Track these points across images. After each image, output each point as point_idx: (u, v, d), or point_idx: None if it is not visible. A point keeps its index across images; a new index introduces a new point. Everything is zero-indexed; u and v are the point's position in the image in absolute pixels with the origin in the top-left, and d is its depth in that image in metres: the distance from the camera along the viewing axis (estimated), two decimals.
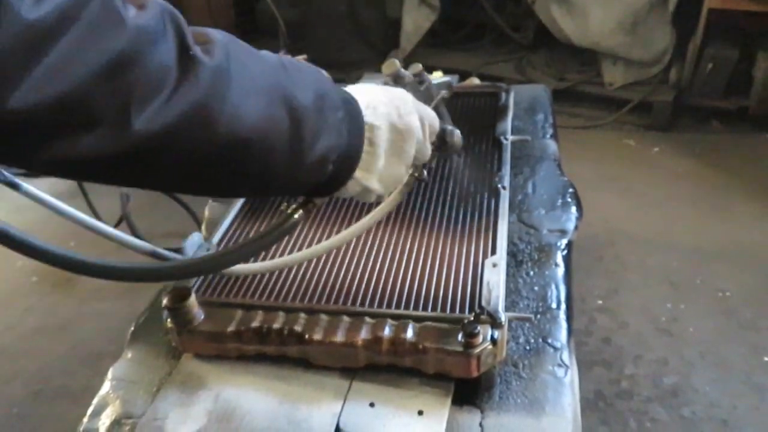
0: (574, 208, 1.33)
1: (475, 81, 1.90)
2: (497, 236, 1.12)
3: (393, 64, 1.02)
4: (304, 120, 0.68)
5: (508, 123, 1.52)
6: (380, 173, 0.81)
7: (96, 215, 1.72)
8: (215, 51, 0.61)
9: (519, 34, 4.10)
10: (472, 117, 1.60)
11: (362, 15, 4.21)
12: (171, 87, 0.56)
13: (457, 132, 0.95)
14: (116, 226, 1.66)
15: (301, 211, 0.81)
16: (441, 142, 0.93)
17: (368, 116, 0.78)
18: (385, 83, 0.95)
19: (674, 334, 2.21)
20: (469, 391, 0.95)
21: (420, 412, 0.90)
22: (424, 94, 0.98)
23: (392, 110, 0.81)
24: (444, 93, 1.07)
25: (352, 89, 0.81)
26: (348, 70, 4.01)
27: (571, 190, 1.39)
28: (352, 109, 0.77)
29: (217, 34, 0.64)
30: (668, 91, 3.52)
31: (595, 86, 3.71)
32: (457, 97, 1.71)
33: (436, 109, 0.97)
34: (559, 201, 1.35)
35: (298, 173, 0.72)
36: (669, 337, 2.19)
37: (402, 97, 0.85)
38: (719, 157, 3.24)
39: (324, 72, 0.81)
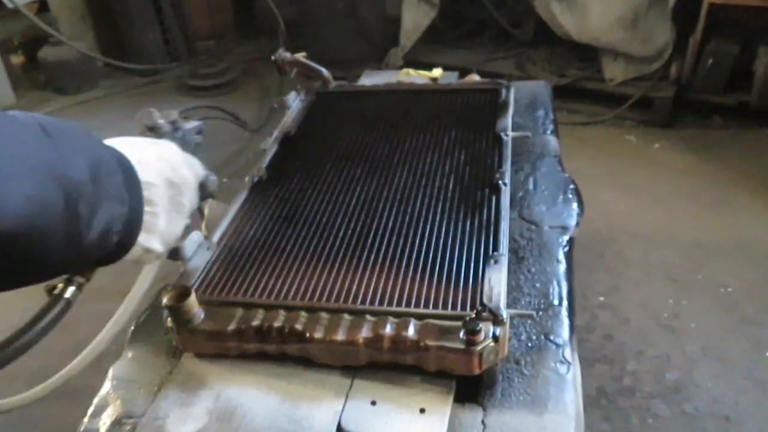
0: (575, 205, 1.33)
1: (475, 78, 1.90)
2: (498, 233, 1.11)
3: (148, 114, 0.96)
4: (81, 196, 0.61)
5: (508, 119, 1.51)
6: (161, 232, 0.78)
7: None
8: None
9: (519, 30, 4.09)
10: (473, 114, 1.59)
11: (362, 13, 4.20)
12: None
13: (213, 178, 0.96)
14: None
15: (72, 288, 0.76)
16: (200, 189, 0.92)
17: (142, 174, 0.74)
18: (141, 134, 0.92)
19: (676, 330, 2.20)
20: (471, 389, 0.94)
21: (422, 410, 0.90)
22: (181, 141, 0.95)
23: (164, 165, 0.78)
24: (198, 138, 1.04)
25: (117, 144, 0.76)
26: (348, 68, 4.00)
27: (572, 186, 1.39)
28: (127, 169, 0.72)
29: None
30: (669, 86, 3.51)
31: (596, 82, 3.70)
32: (457, 94, 1.70)
33: (194, 154, 0.95)
34: (560, 197, 1.35)
35: (80, 253, 0.65)
36: (671, 333, 2.19)
37: (169, 149, 0.83)
38: (720, 152, 3.24)
39: (90, 134, 0.74)
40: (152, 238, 0.76)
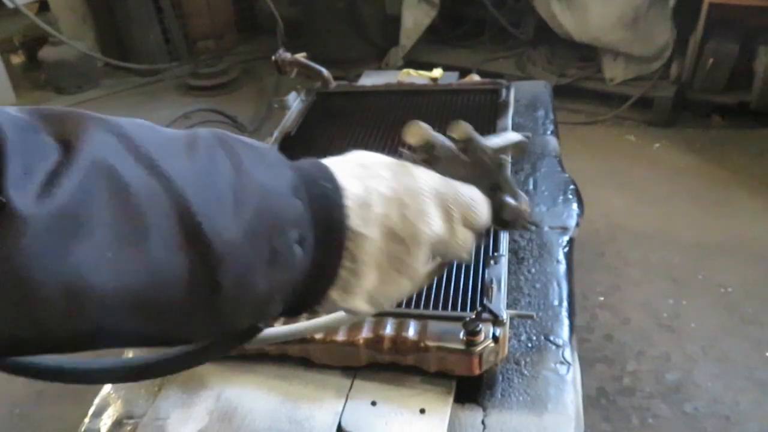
0: (575, 205, 1.33)
1: (476, 78, 1.90)
2: (498, 233, 1.12)
3: (419, 130, 0.64)
4: (224, 261, 0.45)
5: (508, 119, 1.51)
6: (368, 292, 0.57)
7: None
8: (65, 181, 0.38)
9: (519, 30, 4.09)
10: (473, 114, 1.59)
11: (361, 12, 4.20)
12: None
13: (516, 204, 0.67)
14: None
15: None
16: (498, 221, 0.66)
17: (354, 220, 0.53)
18: (412, 161, 0.62)
19: (676, 329, 2.20)
20: (471, 389, 0.94)
21: (422, 411, 0.90)
22: (474, 165, 0.65)
23: (393, 210, 0.55)
24: (505, 159, 0.69)
25: (343, 166, 0.56)
26: (348, 68, 4.00)
27: (572, 186, 1.39)
28: (324, 215, 0.52)
29: (91, 127, 0.42)
30: (669, 86, 3.51)
31: (596, 82, 3.70)
32: (457, 94, 1.70)
33: (494, 180, 0.66)
34: (560, 197, 1.35)
35: (222, 322, 0.49)
36: (671, 333, 2.19)
37: (415, 188, 0.57)
38: (720, 152, 3.24)
39: (274, 153, 0.54)
40: (351, 298, 0.56)
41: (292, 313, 0.56)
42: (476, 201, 0.61)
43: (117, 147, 0.42)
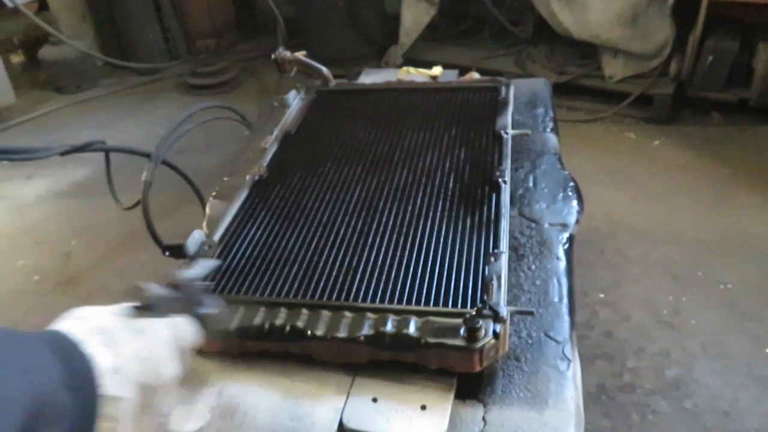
0: (575, 202, 1.33)
1: (475, 75, 1.90)
2: (498, 230, 1.12)
3: (140, 291, 0.77)
4: None
5: (508, 117, 1.51)
6: None
7: (117, 201, 1.74)
8: None
9: (518, 27, 4.09)
10: (473, 112, 1.59)
11: (361, 10, 4.20)
12: None
13: (211, 311, 0.82)
14: (131, 208, 1.69)
15: None
16: (208, 330, 0.81)
17: (111, 386, 0.61)
18: (139, 314, 0.74)
19: (676, 326, 2.21)
20: (472, 386, 0.95)
21: (423, 407, 0.90)
22: (185, 297, 0.80)
23: (145, 367, 0.66)
24: (202, 285, 0.86)
25: (87, 336, 0.63)
26: (347, 66, 4.00)
27: (571, 183, 1.39)
28: (87, 402, 0.59)
29: None
30: (668, 83, 3.52)
31: (595, 79, 3.70)
32: (457, 92, 1.71)
33: (198, 300, 0.81)
34: (560, 194, 1.35)
35: None
36: (671, 330, 2.19)
37: (149, 343, 0.69)
38: (720, 149, 3.24)
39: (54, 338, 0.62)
40: None
41: None
42: (186, 329, 0.76)
43: None
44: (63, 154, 1.34)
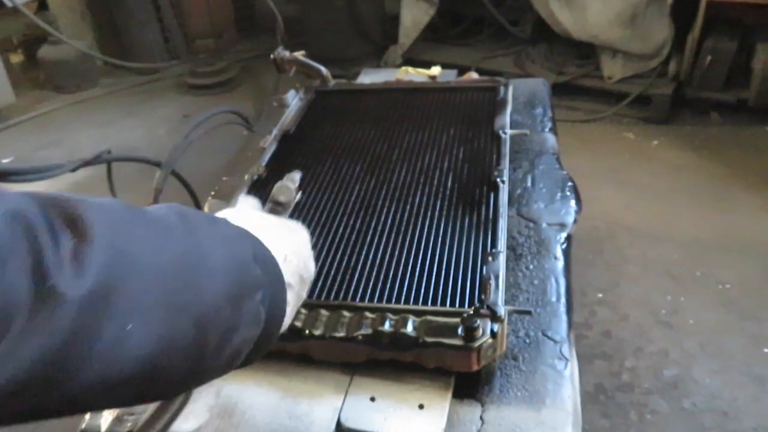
0: (573, 202, 1.33)
1: (474, 75, 1.90)
2: (497, 230, 1.12)
3: (287, 191, 0.89)
4: (213, 326, 0.53)
5: (506, 117, 1.52)
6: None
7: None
8: (90, 264, 0.44)
9: (517, 28, 4.10)
10: (471, 111, 1.60)
11: (360, 10, 4.20)
12: (18, 329, 0.40)
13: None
14: None
15: None
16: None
17: (286, 275, 0.66)
18: (270, 209, 0.86)
19: (674, 326, 2.21)
20: (470, 385, 0.95)
21: (421, 406, 0.91)
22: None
23: (298, 260, 0.71)
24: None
25: (261, 231, 0.67)
26: (346, 66, 4.01)
27: (570, 183, 1.39)
28: (273, 277, 0.63)
29: (97, 222, 0.46)
30: (667, 83, 3.52)
31: (594, 79, 3.70)
32: (456, 91, 1.71)
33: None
34: (559, 194, 1.36)
35: (201, 379, 0.58)
36: (669, 330, 2.20)
37: (304, 238, 0.77)
38: (719, 149, 3.24)
39: (238, 216, 0.70)
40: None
41: (245, 363, 0.64)
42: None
43: (123, 228, 0.49)
44: (74, 170, 1.34)
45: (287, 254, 0.68)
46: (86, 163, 1.36)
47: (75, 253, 0.43)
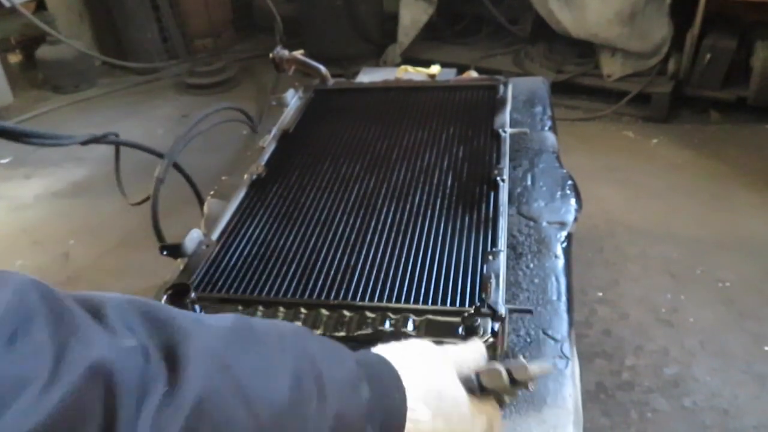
0: (573, 200, 1.33)
1: (473, 74, 1.90)
2: (497, 229, 1.12)
3: (498, 377, 0.70)
4: None
5: (506, 116, 1.51)
6: None
7: (124, 195, 1.76)
8: (172, 420, 0.41)
9: (516, 26, 4.10)
10: (471, 110, 1.59)
11: (359, 9, 4.20)
12: None
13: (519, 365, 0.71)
14: (140, 203, 1.71)
15: None
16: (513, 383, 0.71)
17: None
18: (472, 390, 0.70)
19: (675, 324, 2.21)
20: None
21: None
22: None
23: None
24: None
25: (415, 390, 0.61)
26: (345, 65, 4.01)
27: (570, 182, 1.39)
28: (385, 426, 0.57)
29: (193, 361, 0.44)
30: (666, 82, 3.52)
31: (594, 78, 3.70)
32: (455, 90, 1.70)
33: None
34: (559, 193, 1.35)
35: None
36: (669, 328, 2.20)
37: (460, 405, 0.65)
38: (718, 147, 3.24)
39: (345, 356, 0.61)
40: None
41: None
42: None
43: (217, 379, 0.45)
44: (83, 143, 1.38)
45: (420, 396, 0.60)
46: (96, 140, 1.39)
47: (158, 414, 0.40)
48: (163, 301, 0.98)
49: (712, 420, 1.87)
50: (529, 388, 0.70)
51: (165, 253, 1.14)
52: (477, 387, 0.70)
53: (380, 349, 0.66)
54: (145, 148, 1.57)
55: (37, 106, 4.43)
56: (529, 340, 1.02)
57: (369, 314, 0.97)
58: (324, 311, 0.99)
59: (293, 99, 1.75)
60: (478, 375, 0.70)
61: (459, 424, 0.63)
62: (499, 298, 0.95)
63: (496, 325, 0.91)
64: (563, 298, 1.10)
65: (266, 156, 1.48)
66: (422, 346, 0.69)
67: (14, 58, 5.00)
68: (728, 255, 2.49)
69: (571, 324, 1.06)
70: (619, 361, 2.08)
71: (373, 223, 1.19)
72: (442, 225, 1.16)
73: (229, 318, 0.51)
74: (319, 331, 0.95)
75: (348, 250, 1.13)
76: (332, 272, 1.08)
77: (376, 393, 0.57)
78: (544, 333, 1.03)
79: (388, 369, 0.62)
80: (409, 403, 0.59)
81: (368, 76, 2.04)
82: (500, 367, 0.70)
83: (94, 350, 0.39)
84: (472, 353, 0.74)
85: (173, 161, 1.47)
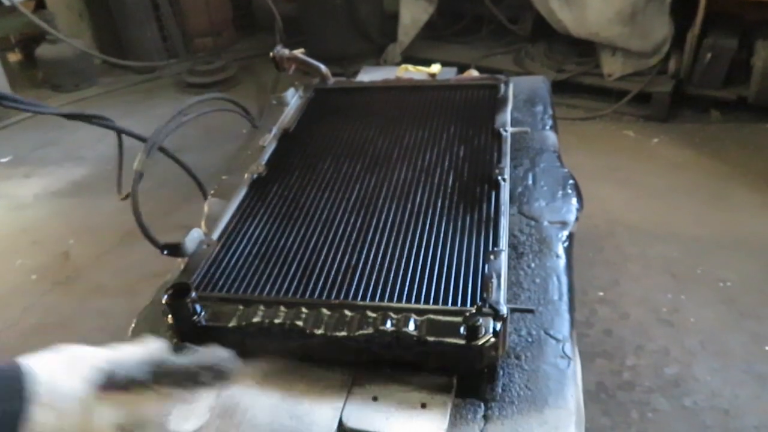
0: (574, 200, 1.33)
1: (474, 73, 1.90)
2: (498, 228, 1.12)
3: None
4: None
5: (507, 115, 1.51)
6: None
7: (119, 188, 1.75)
8: None
9: (517, 25, 4.09)
10: (472, 109, 1.59)
11: (359, 8, 4.20)
12: None
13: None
14: (125, 198, 1.70)
15: None
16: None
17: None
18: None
19: (675, 324, 2.21)
20: (472, 384, 0.94)
21: (423, 405, 0.90)
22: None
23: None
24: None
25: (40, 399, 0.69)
26: (346, 64, 4.01)
27: (571, 181, 1.39)
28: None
29: None
30: (667, 81, 3.51)
31: (594, 77, 3.70)
32: (456, 89, 1.70)
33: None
34: (560, 192, 1.35)
35: None
36: (670, 328, 2.19)
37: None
38: (719, 147, 3.24)
39: None
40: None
41: None
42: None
43: None
44: (68, 117, 1.35)
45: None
46: (82, 117, 1.37)
47: None
48: (163, 301, 0.98)
49: (712, 420, 1.87)
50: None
51: (166, 252, 1.14)
52: (124, 383, 0.77)
53: (24, 359, 0.72)
54: (131, 133, 1.56)
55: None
56: (530, 339, 1.02)
57: (370, 314, 0.96)
58: (325, 311, 0.98)
59: (293, 98, 1.75)
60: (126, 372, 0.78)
61: (80, 419, 0.72)
62: (500, 297, 0.95)
63: (498, 325, 0.91)
64: (565, 297, 1.10)
65: (266, 155, 1.48)
66: (69, 353, 0.76)
67: (14, 56, 5.00)
68: (729, 254, 2.48)
69: (572, 323, 1.06)
70: (620, 360, 2.08)
71: (374, 223, 1.19)
72: (443, 224, 1.16)
73: None
74: (320, 331, 0.95)
75: (349, 250, 1.13)
76: (333, 272, 1.08)
77: None
78: (546, 333, 1.03)
79: (12, 378, 0.69)
80: (33, 407, 0.67)
81: (368, 75, 2.04)
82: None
83: None
84: (130, 353, 0.81)
85: (155, 150, 1.46)
